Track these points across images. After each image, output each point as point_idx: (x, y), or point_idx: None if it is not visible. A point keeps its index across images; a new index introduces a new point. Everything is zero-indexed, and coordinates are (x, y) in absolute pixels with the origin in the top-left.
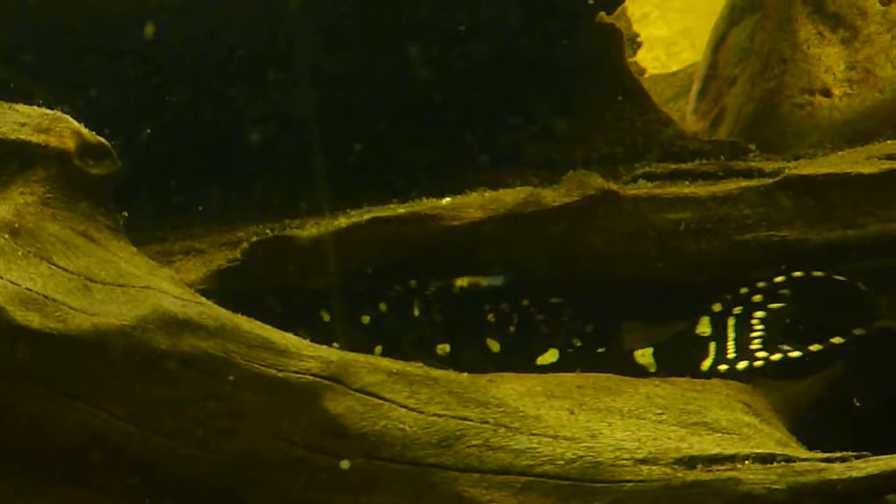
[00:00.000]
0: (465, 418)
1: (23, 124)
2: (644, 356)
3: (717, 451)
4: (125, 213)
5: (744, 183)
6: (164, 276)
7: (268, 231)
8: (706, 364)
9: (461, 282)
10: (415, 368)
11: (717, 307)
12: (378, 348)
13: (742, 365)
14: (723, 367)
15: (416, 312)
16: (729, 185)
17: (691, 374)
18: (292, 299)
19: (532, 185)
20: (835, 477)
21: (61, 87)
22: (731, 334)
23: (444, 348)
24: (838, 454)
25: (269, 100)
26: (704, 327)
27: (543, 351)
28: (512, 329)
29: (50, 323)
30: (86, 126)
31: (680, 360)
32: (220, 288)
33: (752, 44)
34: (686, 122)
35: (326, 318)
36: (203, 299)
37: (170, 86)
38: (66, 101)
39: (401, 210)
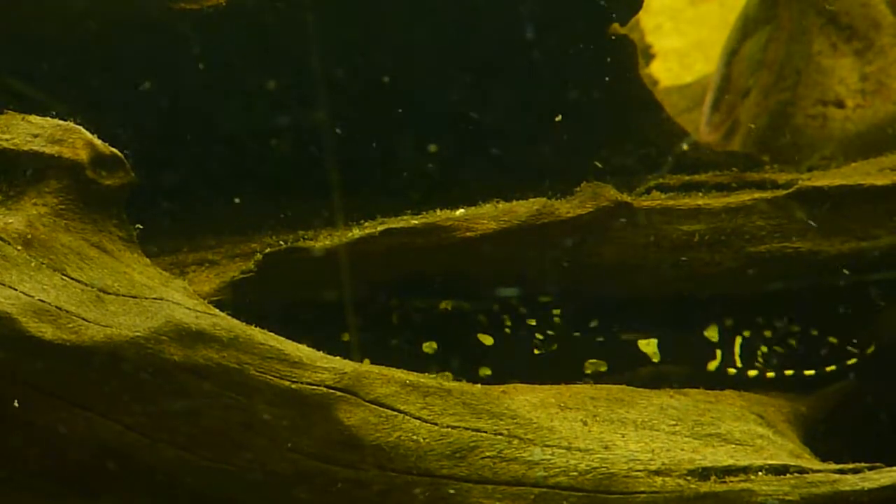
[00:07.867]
0: (478, 430)
1: (36, 135)
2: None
3: (730, 462)
4: (139, 225)
5: (757, 194)
6: (178, 288)
7: (281, 242)
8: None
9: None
10: (428, 380)
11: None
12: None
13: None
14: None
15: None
16: (742, 197)
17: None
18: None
19: (545, 196)
20: (848, 488)
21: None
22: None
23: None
24: (851, 465)
25: (283, 111)
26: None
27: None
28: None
29: (63, 334)
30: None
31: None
32: (234, 299)
33: (766, 55)
34: (699, 134)
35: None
36: (216, 311)
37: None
38: (80, 111)
39: (414, 221)
